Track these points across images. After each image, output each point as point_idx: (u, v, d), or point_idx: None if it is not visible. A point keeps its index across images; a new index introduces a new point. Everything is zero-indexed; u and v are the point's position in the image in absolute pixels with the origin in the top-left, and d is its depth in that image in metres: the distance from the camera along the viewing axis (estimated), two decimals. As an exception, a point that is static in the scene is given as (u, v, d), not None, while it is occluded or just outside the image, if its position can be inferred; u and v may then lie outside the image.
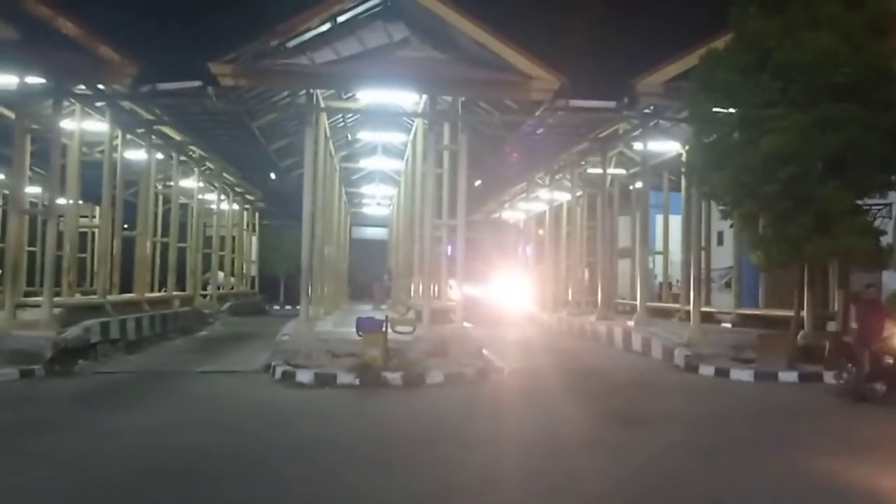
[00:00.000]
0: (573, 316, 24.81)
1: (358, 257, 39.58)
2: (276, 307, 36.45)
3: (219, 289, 30.90)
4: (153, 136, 20.75)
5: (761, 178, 13.11)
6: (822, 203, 12.95)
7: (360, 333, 13.78)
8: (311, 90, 16.44)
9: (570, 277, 28.17)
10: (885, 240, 15.07)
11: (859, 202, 14.00)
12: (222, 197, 29.94)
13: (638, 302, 19.84)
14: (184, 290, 25.27)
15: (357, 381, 12.85)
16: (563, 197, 28.81)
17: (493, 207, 37.09)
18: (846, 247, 13.08)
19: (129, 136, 19.93)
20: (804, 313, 15.10)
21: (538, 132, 21.18)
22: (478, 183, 30.62)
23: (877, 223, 16.17)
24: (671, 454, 8.29)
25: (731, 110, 14.06)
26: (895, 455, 8.50)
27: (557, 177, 27.81)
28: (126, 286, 20.57)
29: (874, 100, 13.06)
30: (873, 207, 15.28)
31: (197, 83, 15.22)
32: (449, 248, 22.18)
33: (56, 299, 15.78)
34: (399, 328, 14.63)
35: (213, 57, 14.57)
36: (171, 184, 23.70)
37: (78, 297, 18.45)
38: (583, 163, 25.13)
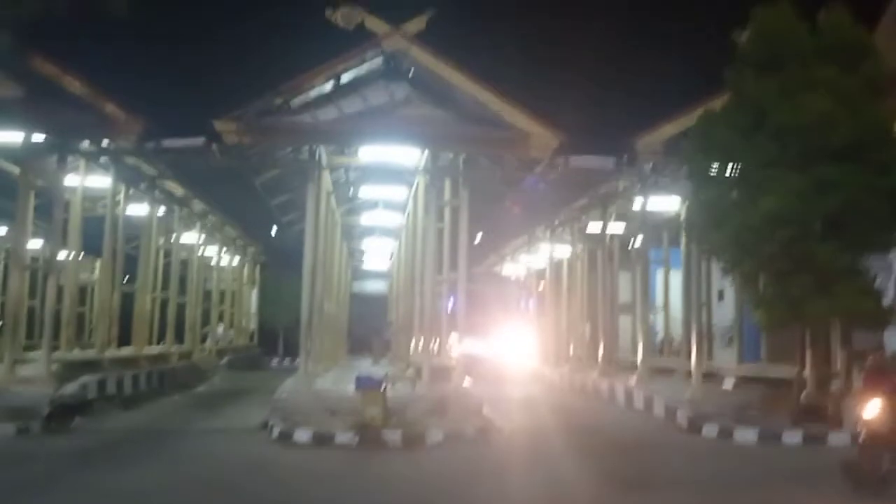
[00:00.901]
0: (575, 372, 24.62)
1: (358, 311, 39.44)
2: (276, 361, 36.20)
3: (217, 343, 30.74)
4: (156, 191, 20.91)
5: (761, 238, 13.14)
6: (822, 263, 12.94)
7: (359, 391, 13.66)
8: (314, 147, 16.62)
9: (572, 333, 28.03)
10: (887, 300, 15.07)
11: (859, 262, 14.00)
12: (223, 251, 30.00)
13: (639, 359, 19.69)
14: (182, 344, 25.14)
15: (356, 441, 12.69)
16: (564, 252, 28.88)
17: (493, 261, 37.15)
18: (847, 307, 13.03)
19: (131, 191, 20.08)
20: (807, 372, 14.97)
21: (539, 187, 21.33)
22: (478, 237, 30.74)
23: (877, 283, 16.16)
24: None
25: (730, 170, 14.19)
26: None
27: (558, 231, 27.91)
28: (125, 341, 20.48)
29: (872, 161, 13.16)
30: (872, 268, 15.23)
31: (201, 140, 15.42)
32: (450, 301, 22.18)
33: (54, 354, 15.71)
34: (398, 385, 14.51)
35: (217, 114, 14.79)
36: (173, 238, 23.76)
37: (76, 353, 18.37)
38: (583, 218, 25.25)
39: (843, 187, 12.79)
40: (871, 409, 8.54)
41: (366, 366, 22.82)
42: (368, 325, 36.35)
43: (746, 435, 13.75)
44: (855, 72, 13.68)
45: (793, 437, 13.45)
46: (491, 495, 9.28)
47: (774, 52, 13.93)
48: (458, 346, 21.77)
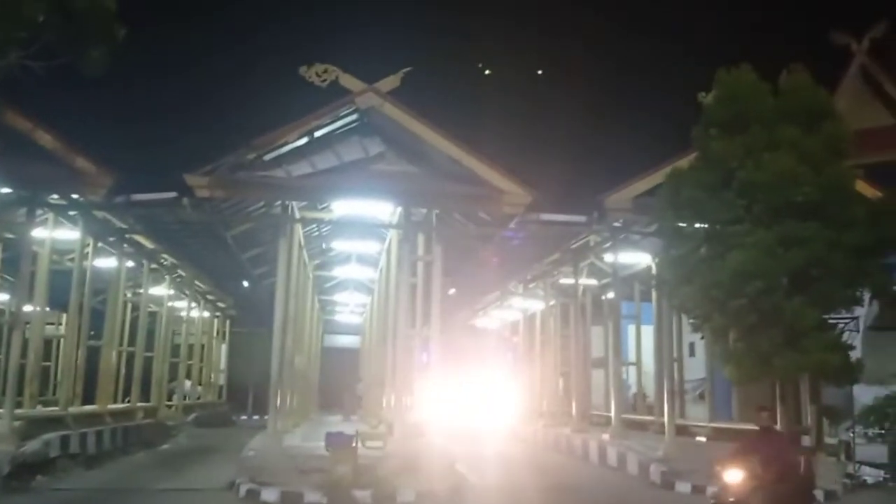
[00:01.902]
0: (548, 427, 24.44)
1: (329, 366, 38.91)
2: (245, 417, 35.43)
3: (185, 399, 30.08)
4: (125, 245, 20.69)
5: (729, 293, 13.29)
6: (790, 318, 13.10)
7: (329, 449, 13.41)
8: (287, 202, 16.63)
9: (545, 387, 27.91)
10: (854, 354, 15.25)
11: (826, 317, 14.20)
12: (193, 304, 29.62)
13: (612, 414, 19.64)
14: (149, 400, 24.59)
15: (325, 500, 12.42)
16: (537, 306, 28.92)
17: (467, 316, 37.03)
18: (815, 362, 13.15)
19: (100, 245, 19.85)
20: (778, 428, 14.99)
21: (513, 243, 21.49)
22: (452, 291, 30.72)
23: (845, 337, 16.37)
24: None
25: (698, 226, 14.42)
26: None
27: (531, 286, 28.01)
28: (90, 396, 19.98)
29: (835, 218, 13.47)
30: (840, 322, 15.45)
31: (172, 194, 15.36)
32: (424, 356, 21.96)
33: (17, 411, 15.28)
34: (369, 443, 14.27)
35: (189, 168, 14.77)
36: (141, 291, 23.44)
37: (39, 409, 17.86)
38: (555, 273, 25.41)
39: (808, 243, 13.05)
40: (733, 476, 8.64)
41: (337, 422, 22.48)
42: (340, 380, 35.87)
43: (720, 492, 13.66)
44: (816, 132, 14.08)
45: (765, 493, 13.38)
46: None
47: (738, 113, 14.31)
48: (431, 403, 21.60)
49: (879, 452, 14.89)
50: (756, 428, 9.55)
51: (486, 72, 39.52)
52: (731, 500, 8.53)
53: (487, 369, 34.74)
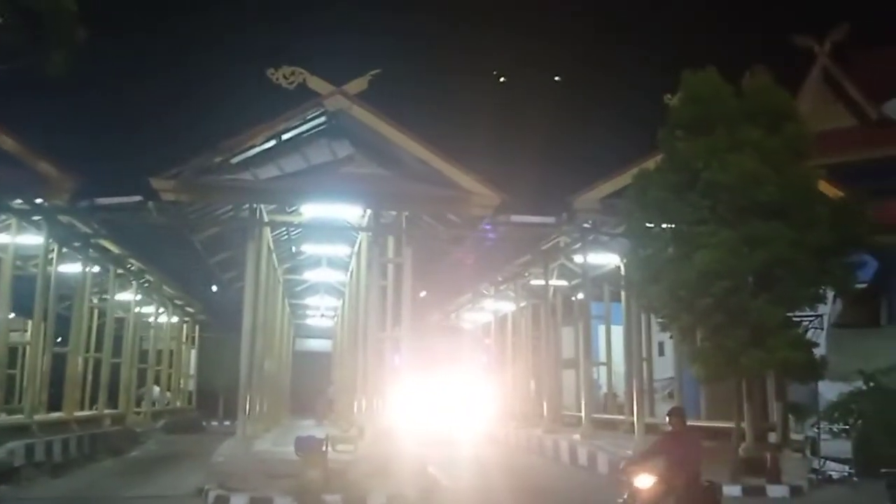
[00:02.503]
0: (520, 429, 24.51)
1: (301, 370, 38.65)
2: (215, 423, 35.06)
3: (154, 405, 29.71)
4: (90, 250, 20.40)
5: (696, 293, 13.47)
6: (756, 317, 13.31)
7: (299, 453, 13.31)
8: (255, 205, 16.51)
9: (517, 389, 28.00)
10: (818, 351, 15.50)
11: (791, 316, 14.42)
12: (161, 310, 29.28)
13: (583, 414, 19.75)
14: (117, 407, 24.25)
15: (294, 505, 12.32)
16: (508, 308, 29.01)
17: (439, 318, 36.99)
18: (780, 360, 13.37)
19: (65, 250, 19.55)
20: (744, 425, 15.21)
21: (484, 244, 21.55)
22: (423, 294, 30.69)
23: (809, 335, 16.63)
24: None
25: (665, 227, 14.59)
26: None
27: (502, 288, 28.09)
28: (56, 404, 19.66)
29: (798, 218, 13.71)
30: (804, 320, 15.69)
31: (137, 198, 15.17)
32: (396, 358, 21.84)
33: (-21, 420, 15.00)
34: (340, 447, 14.19)
35: (154, 172, 14.60)
36: (108, 297, 23.12)
37: (4, 417, 17.55)
38: (526, 274, 25.52)
39: (772, 243, 13.26)
40: (643, 481, 8.17)
41: (309, 426, 22.32)
42: (312, 385, 35.65)
43: (688, 489, 13.81)
44: (779, 133, 14.33)
45: (732, 490, 13.56)
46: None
47: (703, 115, 14.51)
48: (404, 406, 21.49)
49: (844, 448, 15.12)
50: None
51: (501, 79, 39.55)
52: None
53: (461, 371, 34.62)
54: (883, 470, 12.04)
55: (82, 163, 16.06)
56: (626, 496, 8.27)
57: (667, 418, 9.29)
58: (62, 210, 16.42)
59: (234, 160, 15.35)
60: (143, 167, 15.30)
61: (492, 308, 30.58)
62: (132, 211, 15.96)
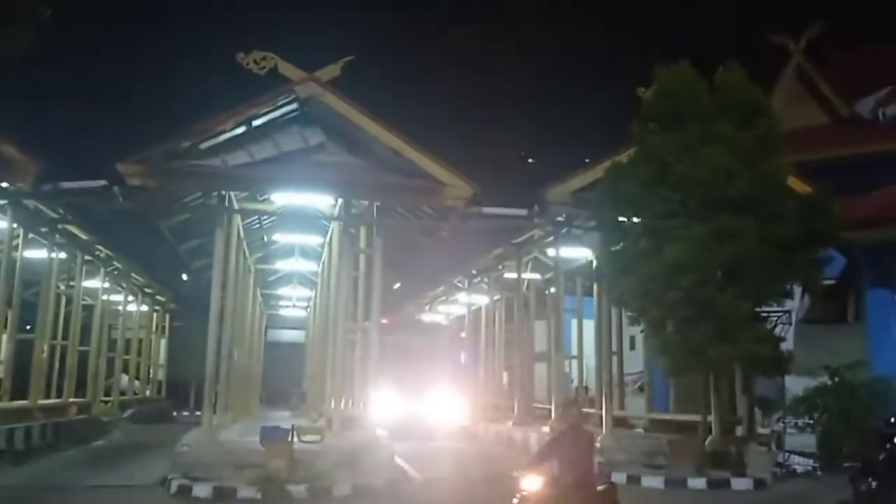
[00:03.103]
0: (491, 422, 24.48)
1: (274, 361, 38.37)
2: (186, 413, 34.73)
3: (123, 394, 29.33)
4: (57, 236, 20.03)
5: (665, 286, 13.51)
6: (723, 310, 13.37)
7: (264, 443, 13.19)
8: (224, 192, 16.28)
9: (490, 382, 27.97)
10: (785, 346, 15.63)
11: (758, 310, 14.51)
12: (130, 298, 28.88)
13: (552, 407, 19.76)
14: (85, 396, 23.91)
15: (259, 495, 12.22)
16: (482, 301, 28.96)
17: (412, 311, 36.84)
18: (746, 353, 13.45)
19: (31, 235, 19.17)
20: (711, 418, 15.30)
21: (457, 236, 21.46)
22: (397, 286, 30.60)
23: (777, 330, 16.78)
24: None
25: (636, 220, 14.60)
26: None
27: (476, 280, 28.03)
28: (21, 392, 19.31)
29: (767, 213, 13.79)
30: (772, 315, 15.82)
31: (102, 182, 14.89)
32: (373, 350, 21.63)
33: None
34: (306, 437, 14.06)
35: (121, 156, 14.34)
36: (74, 284, 22.75)
37: (-36, 405, 17.23)
38: (500, 267, 25.47)
39: (740, 237, 13.33)
40: (530, 483, 7.40)
41: (281, 417, 22.11)
42: (286, 376, 35.44)
43: (653, 481, 13.94)
44: (750, 128, 14.39)
45: (697, 482, 13.68)
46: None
47: (675, 109, 14.56)
48: (381, 402, 21.28)
49: (808, 442, 15.29)
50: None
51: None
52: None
53: (437, 364, 33.80)
54: (846, 464, 12.19)
55: (46, 145, 15.70)
56: (516, 501, 7.42)
57: (566, 410, 8.70)
58: (26, 194, 16.07)
59: (203, 145, 15.11)
60: (109, 151, 14.99)
61: (465, 301, 30.50)
62: (98, 196, 15.66)
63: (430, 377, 25.32)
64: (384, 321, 25.02)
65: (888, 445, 10.39)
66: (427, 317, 36.62)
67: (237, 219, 18.55)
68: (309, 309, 34.77)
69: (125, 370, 30.20)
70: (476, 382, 28.99)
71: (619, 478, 14.28)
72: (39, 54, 11.35)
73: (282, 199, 17.98)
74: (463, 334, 32.23)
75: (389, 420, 20.60)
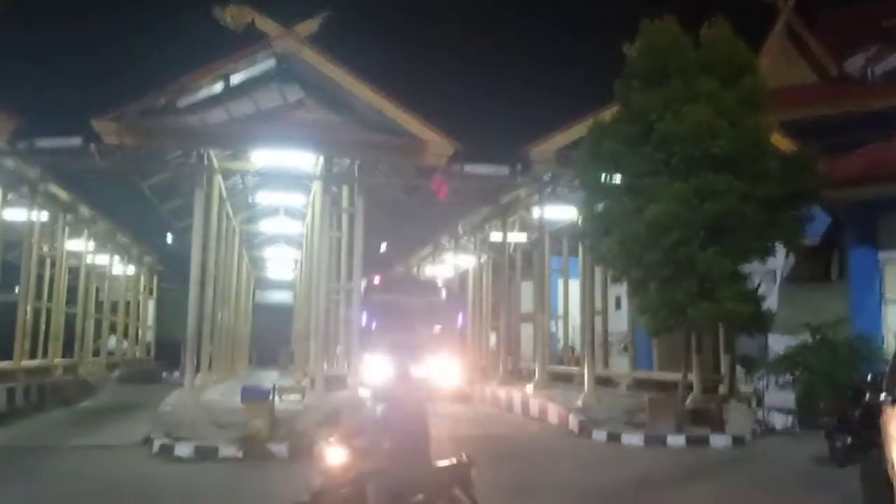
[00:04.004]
0: (477, 382, 24.55)
1: (263, 322, 38.49)
2: (176, 374, 34.80)
3: (111, 355, 29.35)
4: (38, 196, 19.80)
5: (646, 245, 13.42)
6: (704, 269, 13.30)
7: (245, 403, 13.20)
8: (202, 150, 16.07)
9: (477, 343, 28.00)
10: (770, 305, 15.63)
11: (740, 269, 14.46)
12: (116, 259, 28.72)
13: (537, 367, 19.85)
14: (72, 357, 23.91)
15: (240, 454, 12.23)
16: (469, 262, 28.90)
17: (407, 268, 36.53)
18: (727, 311, 13.41)
19: (10, 196, 18.95)
20: (692, 377, 15.36)
21: (440, 196, 21.27)
22: (383, 247, 30.43)
23: (761, 289, 16.78)
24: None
25: (619, 179, 14.47)
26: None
27: (462, 241, 27.95)
28: (6, 353, 19.25)
29: (750, 171, 13.65)
30: (753, 274, 15.78)
31: (78, 140, 14.65)
32: (364, 315, 21.50)
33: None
34: (287, 396, 14.09)
35: (96, 113, 14.09)
36: (57, 245, 22.57)
37: (-56, 367, 17.18)
38: (486, 227, 25.37)
39: (723, 195, 13.21)
40: (335, 456, 6.24)
41: (269, 378, 22.12)
42: (275, 337, 35.53)
43: (633, 439, 14.01)
44: (735, 85, 14.18)
45: (677, 440, 13.77)
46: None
47: (660, 65, 14.30)
48: (374, 365, 21.05)
49: (788, 399, 15.37)
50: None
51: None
52: (342, 489, 6.13)
53: (433, 325, 32.24)
54: (822, 420, 12.27)
55: (22, 102, 15.40)
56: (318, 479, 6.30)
57: (391, 383, 6.80)
58: (2, 152, 15.82)
59: (180, 103, 14.87)
60: (86, 108, 14.70)
61: (452, 262, 30.43)
62: (75, 154, 15.42)
63: (427, 338, 23.52)
64: (376, 279, 24.84)
65: (864, 402, 10.41)
66: (423, 273, 35.51)
67: (218, 178, 18.40)
68: (296, 270, 34.73)
69: (113, 332, 30.18)
70: (461, 343, 28.99)
71: (599, 435, 14.51)
72: (12, 10, 11.04)
73: (262, 157, 17.80)
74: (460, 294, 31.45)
75: (382, 384, 20.42)
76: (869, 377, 11.25)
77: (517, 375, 23.06)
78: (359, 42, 20.78)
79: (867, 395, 10.02)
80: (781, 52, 23.90)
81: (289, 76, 15.52)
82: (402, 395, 6.55)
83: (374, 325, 22.17)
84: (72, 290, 24.84)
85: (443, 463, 6.44)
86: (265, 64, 15.34)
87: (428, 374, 22.20)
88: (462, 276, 29.82)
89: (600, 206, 14.93)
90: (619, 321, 23.27)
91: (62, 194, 20.75)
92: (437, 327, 24.26)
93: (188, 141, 15.49)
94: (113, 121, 14.13)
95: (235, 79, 15.17)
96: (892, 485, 7.67)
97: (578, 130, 15.94)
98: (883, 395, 8.72)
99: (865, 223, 16.81)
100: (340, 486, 6.14)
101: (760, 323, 14.38)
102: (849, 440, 10.87)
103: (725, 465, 12.24)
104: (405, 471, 6.06)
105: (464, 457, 6.47)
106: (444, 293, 26.53)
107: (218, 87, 15.05)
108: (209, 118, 15.18)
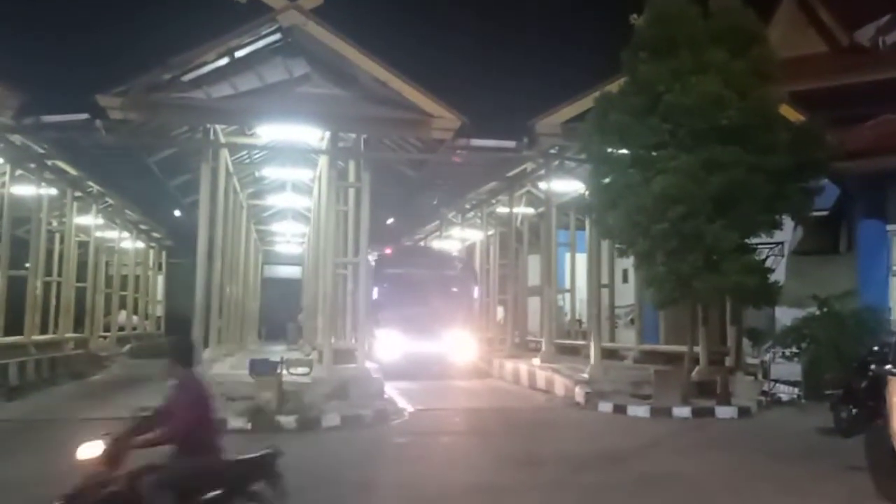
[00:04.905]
0: (485, 355, 24.65)
1: (271, 296, 38.68)
2: (187, 348, 35.06)
3: (122, 330, 29.60)
4: (46, 172, 19.86)
5: (652, 218, 13.40)
6: (711, 241, 13.28)
7: (253, 376, 13.33)
8: (208, 125, 16.04)
9: (484, 316, 28.10)
10: (778, 278, 15.60)
11: (747, 241, 14.43)
12: (124, 234, 28.86)
13: (544, 339, 19.93)
14: (83, 331, 24.14)
15: (249, 426, 12.37)
16: (477, 236, 28.91)
17: (419, 240, 36.42)
18: (734, 284, 13.41)
19: (19, 172, 19.03)
20: (698, 349, 15.40)
21: (448, 170, 21.21)
22: (390, 221, 30.48)
23: (769, 262, 16.75)
24: (557, 496, 8.26)
25: (625, 151, 14.40)
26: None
27: (469, 215, 27.94)
28: (16, 328, 19.44)
29: (758, 143, 13.58)
30: (760, 246, 15.75)
31: (84, 116, 14.65)
32: (375, 289, 21.43)
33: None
34: (295, 370, 14.20)
35: (101, 88, 14.07)
36: (66, 220, 22.68)
37: (-44, 341, 17.37)
38: (493, 201, 25.34)
39: (730, 167, 13.16)
40: (87, 451, 5.41)
41: (278, 351, 22.24)
42: (284, 311, 35.71)
43: (639, 410, 14.11)
44: (744, 56, 14.06)
45: (682, 411, 13.85)
46: (375, 479, 9.17)
47: (668, 36, 14.19)
48: (385, 340, 20.83)
49: (795, 371, 15.42)
50: None
51: None
52: (105, 489, 5.36)
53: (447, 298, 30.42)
54: (827, 391, 12.32)
55: (29, 79, 15.41)
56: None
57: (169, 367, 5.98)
58: (8, 128, 15.82)
59: (186, 78, 14.80)
60: (92, 84, 14.66)
61: (460, 236, 30.45)
62: (81, 130, 15.42)
63: (441, 313, 22.24)
64: (387, 251, 24.62)
65: (869, 373, 10.43)
66: (436, 245, 32.75)
67: (224, 153, 18.38)
68: (304, 244, 34.82)
69: (123, 307, 30.41)
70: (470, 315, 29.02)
71: (605, 407, 14.61)
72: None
73: (268, 132, 17.76)
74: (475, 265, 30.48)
75: (395, 359, 20.28)
76: (875, 348, 11.34)
77: (524, 348, 23.13)
78: (364, 16, 20.59)
79: (873, 367, 10.08)
80: (791, 21, 23.59)
81: (294, 50, 15.41)
82: (186, 381, 5.86)
83: (385, 299, 21.96)
84: (81, 266, 25.00)
85: (244, 456, 5.83)
86: (270, 38, 15.22)
87: (442, 350, 21.53)
88: (469, 250, 29.84)
89: (607, 179, 14.88)
90: (626, 294, 23.25)
91: (70, 170, 20.80)
92: (452, 301, 23.12)
93: (193, 116, 15.44)
94: (118, 96, 14.10)
95: (240, 53, 15.04)
96: (895, 454, 7.73)
97: (585, 103, 15.85)
98: (888, 367, 8.76)
99: (874, 195, 16.73)
100: (102, 484, 5.35)
101: (767, 295, 14.36)
102: (854, 411, 10.95)
103: (731, 436, 12.33)
104: (191, 465, 5.49)
105: (271, 449, 5.86)
106: (458, 265, 25.44)
107: (223, 61, 14.93)
108: (214, 93, 15.10)
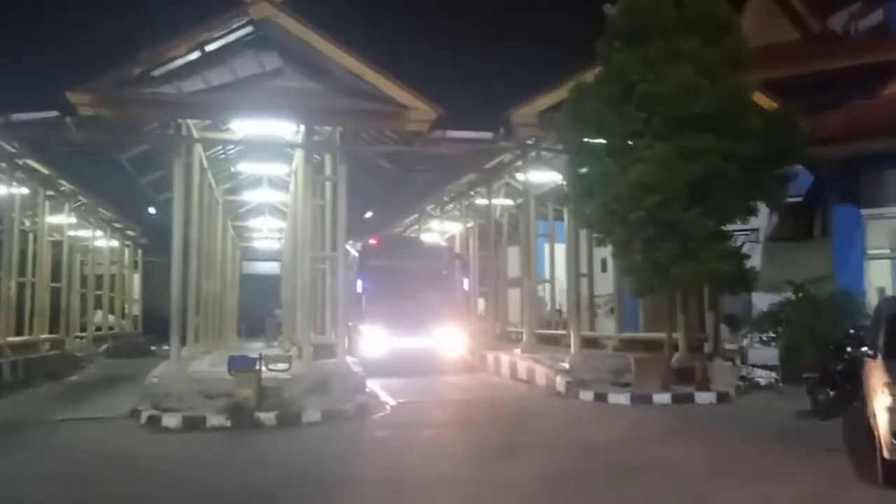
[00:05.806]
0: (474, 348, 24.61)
1: (250, 293, 38.38)
2: (165, 347, 34.72)
3: (98, 330, 29.26)
4: (17, 171, 19.54)
5: (629, 207, 13.45)
6: (687, 229, 13.35)
7: (232, 373, 13.21)
8: (180, 120, 15.85)
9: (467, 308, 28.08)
10: (754, 264, 15.72)
11: (723, 228, 14.52)
12: (98, 233, 28.50)
13: (524, 330, 19.95)
14: (59, 332, 23.83)
15: (228, 424, 12.26)
16: (456, 228, 28.88)
17: (403, 230, 36.27)
18: (710, 271, 13.50)
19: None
20: (677, 336, 15.50)
21: (426, 162, 21.16)
22: (368, 215, 30.33)
23: (745, 248, 16.87)
24: (539, 485, 8.25)
25: (601, 141, 14.42)
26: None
27: (448, 207, 27.89)
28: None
29: (731, 130, 13.66)
30: (736, 233, 15.86)
31: (54, 113, 14.41)
32: (359, 283, 21.13)
33: None
34: (274, 366, 14.09)
35: (70, 84, 13.84)
36: (38, 220, 22.34)
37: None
38: (472, 193, 25.31)
39: (705, 155, 13.22)
40: None
41: (256, 348, 22.08)
42: (262, 307, 35.46)
43: (619, 398, 14.18)
44: (716, 44, 14.12)
45: (662, 398, 13.94)
46: (355, 473, 9.13)
47: (641, 25, 14.22)
48: (370, 336, 20.25)
49: (772, 355, 15.58)
50: None
51: None
52: None
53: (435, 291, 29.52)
54: (804, 375, 12.46)
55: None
56: None
57: None
58: (-24, 128, 15.57)
59: (156, 73, 14.59)
60: (60, 81, 14.40)
61: (439, 229, 30.41)
62: (51, 127, 15.20)
63: (429, 307, 21.31)
64: (372, 241, 23.89)
65: (845, 356, 10.55)
66: (423, 235, 31.26)
67: (198, 148, 18.18)
68: (282, 240, 34.58)
69: (99, 306, 30.07)
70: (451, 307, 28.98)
71: (586, 395, 14.68)
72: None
73: (242, 127, 17.60)
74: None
75: (381, 356, 19.67)
76: (851, 331, 11.47)
77: (505, 339, 23.17)
78: (337, 8, 20.40)
79: (849, 350, 10.19)
80: (764, 9, 23.75)
81: (266, 43, 15.24)
82: None
83: (371, 293, 21.03)
84: (56, 266, 24.67)
85: None
86: (242, 31, 15.02)
87: (431, 346, 20.48)
88: (448, 242, 29.78)
89: (584, 169, 14.90)
90: (606, 283, 23.32)
91: (41, 169, 20.49)
92: (442, 294, 21.99)
93: (165, 111, 15.23)
94: (87, 92, 13.88)
95: (212, 47, 14.84)
96: (873, 435, 7.81)
97: (561, 93, 15.83)
98: (864, 349, 8.87)
99: (848, 180, 16.89)
100: None
101: (744, 281, 14.47)
102: (831, 394, 11.08)
103: (710, 421, 12.43)
104: None
105: None
106: (447, 256, 24.22)
107: (194, 55, 14.74)
108: (186, 87, 14.92)
